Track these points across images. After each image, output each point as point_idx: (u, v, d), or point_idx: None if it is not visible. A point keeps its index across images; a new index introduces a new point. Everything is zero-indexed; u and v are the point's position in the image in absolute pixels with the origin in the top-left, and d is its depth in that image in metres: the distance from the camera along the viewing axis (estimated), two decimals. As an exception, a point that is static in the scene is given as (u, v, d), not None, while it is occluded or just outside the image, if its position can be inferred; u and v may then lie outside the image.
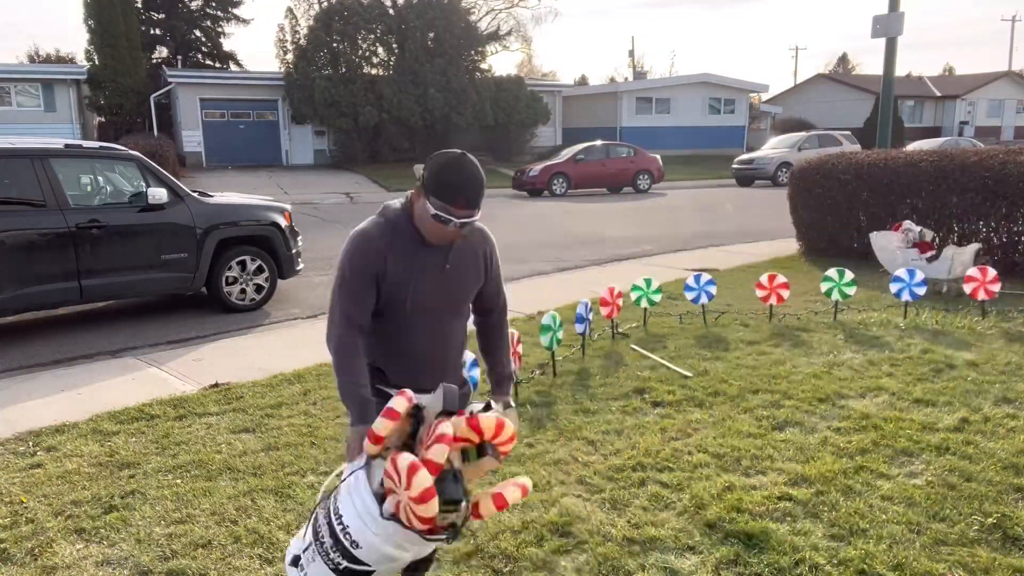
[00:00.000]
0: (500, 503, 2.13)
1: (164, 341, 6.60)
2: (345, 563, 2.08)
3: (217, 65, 37.43)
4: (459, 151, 2.23)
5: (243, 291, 7.62)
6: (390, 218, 2.28)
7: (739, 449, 3.91)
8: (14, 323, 7.09)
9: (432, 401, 2.13)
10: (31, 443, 4.24)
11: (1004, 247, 8.19)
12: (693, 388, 4.84)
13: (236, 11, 37.70)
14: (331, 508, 2.15)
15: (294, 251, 7.99)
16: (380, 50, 29.27)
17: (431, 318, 2.33)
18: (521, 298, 7.94)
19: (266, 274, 7.74)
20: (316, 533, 2.17)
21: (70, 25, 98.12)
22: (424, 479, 1.90)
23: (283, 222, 7.89)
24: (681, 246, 11.69)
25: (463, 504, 2.03)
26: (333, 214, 17.25)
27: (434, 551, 2.47)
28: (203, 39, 37.59)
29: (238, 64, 38.35)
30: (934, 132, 38.24)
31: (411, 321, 2.31)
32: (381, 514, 2.02)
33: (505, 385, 2.55)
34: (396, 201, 2.32)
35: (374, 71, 29.10)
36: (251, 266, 7.63)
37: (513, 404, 2.46)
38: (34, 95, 26.87)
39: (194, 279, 7.27)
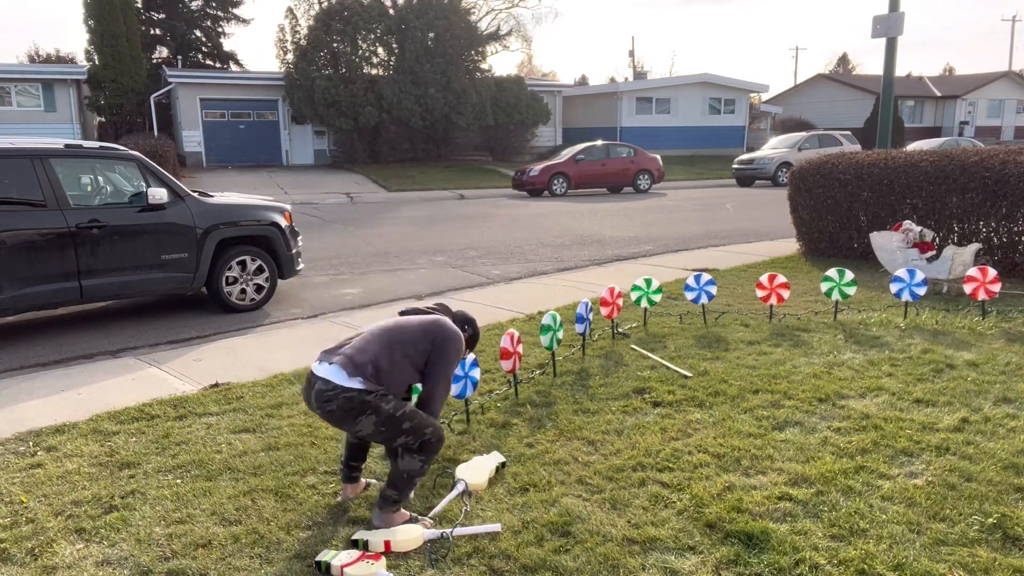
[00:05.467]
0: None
1: (164, 341, 6.60)
2: None
3: (217, 65, 37.44)
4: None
5: (243, 291, 7.62)
6: None
7: (739, 449, 3.91)
8: (14, 323, 7.10)
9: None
10: (31, 443, 4.24)
11: (1004, 247, 8.19)
12: (693, 388, 4.84)
13: (236, 11, 37.75)
14: None
15: (294, 251, 7.99)
16: (380, 50, 29.26)
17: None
18: (521, 298, 7.95)
19: (266, 274, 7.74)
20: None
21: (70, 25, 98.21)
22: None
23: (283, 222, 7.89)
24: (681, 246, 11.70)
25: None
26: (333, 214, 17.26)
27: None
28: (203, 39, 37.60)
29: (238, 64, 38.36)
30: (934, 132, 38.28)
31: None
32: None
33: None
34: (448, 315, 3.56)
35: (374, 71, 29.10)
36: (251, 266, 7.63)
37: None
38: (34, 95, 26.88)
39: (194, 279, 7.27)
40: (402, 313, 3.57)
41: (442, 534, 3.12)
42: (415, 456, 3.22)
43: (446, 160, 30.35)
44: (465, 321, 3.60)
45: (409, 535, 3.07)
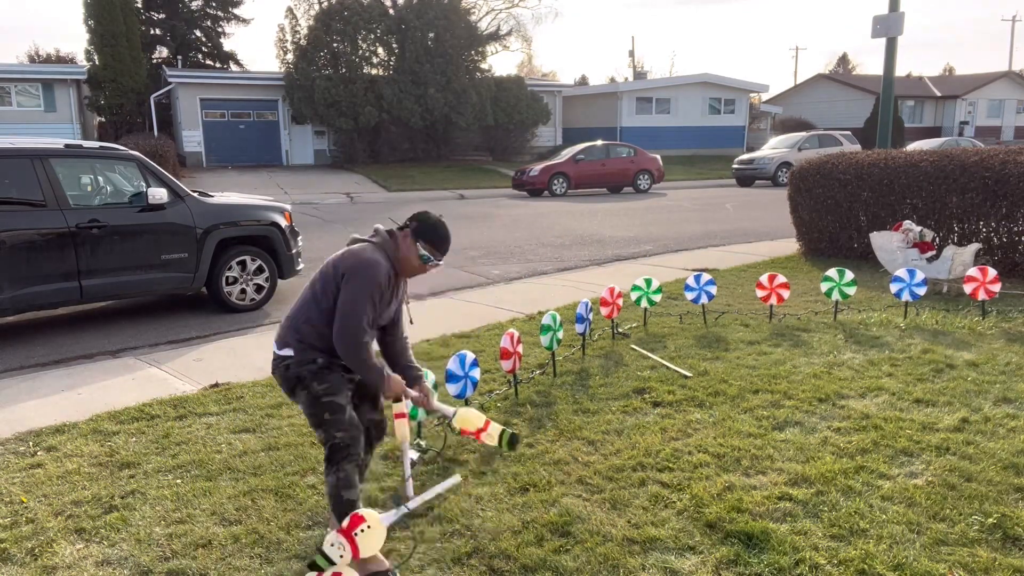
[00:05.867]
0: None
1: (164, 341, 6.60)
2: None
3: (217, 65, 37.43)
4: (439, 215, 3.11)
5: (243, 291, 7.62)
6: (387, 257, 3.02)
7: (739, 449, 3.91)
8: (14, 323, 7.10)
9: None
10: (31, 443, 4.24)
11: (1004, 247, 8.19)
12: (693, 388, 4.84)
13: (236, 11, 37.72)
14: None
15: (294, 251, 7.99)
16: (380, 50, 29.26)
17: (376, 329, 3.12)
18: (521, 298, 7.95)
19: (266, 274, 7.74)
20: None
21: (70, 25, 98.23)
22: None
23: (283, 222, 7.89)
24: (681, 246, 11.70)
25: None
26: (333, 214, 17.25)
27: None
28: (203, 39, 37.59)
29: (238, 64, 38.35)
30: (934, 132, 38.27)
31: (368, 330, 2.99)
32: None
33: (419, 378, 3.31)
34: (376, 240, 3.04)
35: (374, 71, 29.10)
36: (251, 266, 7.63)
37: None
38: (34, 95, 26.88)
39: (194, 279, 7.27)
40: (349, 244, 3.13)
41: (400, 510, 2.97)
42: (328, 469, 2.95)
43: (446, 160, 30.35)
44: (412, 218, 3.08)
45: (371, 538, 2.64)
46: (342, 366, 3.04)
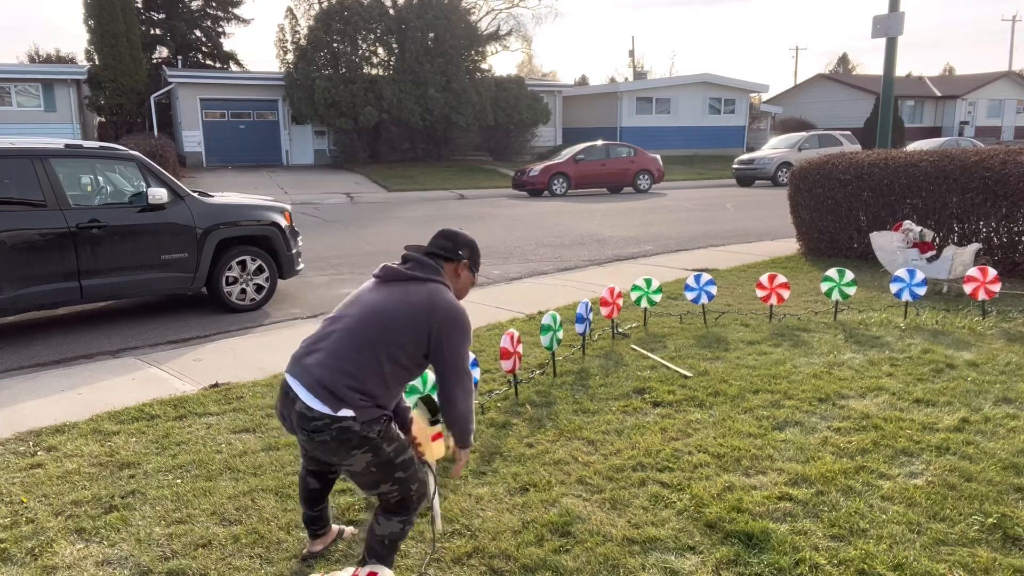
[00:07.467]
0: None
1: (164, 341, 6.60)
2: None
3: (217, 65, 37.45)
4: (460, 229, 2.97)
5: (243, 291, 7.62)
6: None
7: (739, 449, 3.91)
8: (14, 323, 7.10)
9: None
10: (31, 443, 4.24)
11: (1004, 247, 8.19)
12: (693, 388, 4.84)
13: (236, 11, 37.74)
14: None
15: (294, 251, 7.99)
16: (380, 50, 29.26)
17: None
18: (521, 298, 7.95)
19: (266, 274, 7.74)
20: None
21: (70, 25, 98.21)
22: None
23: (283, 222, 7.89)
24: (681, 246, 11.70)
25: None
26: (333, 214, 17.25)
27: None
28: (203, 39, 37.61)
29: (238, 64, 38.36)
30: (934, 132, 38.28)
31: None
32: None
33: None
34: (443, 280, 2.78)
35: (374, 71, 29.09)
36: (251, 266, 7.63)
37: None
38: (34, 95, 26.88)
39: (194, 279, 7.27)
40: (380, 278, 2.77)
41: None
42: (393, 518, 2.71)
43: (446, 160, 30.35)
44: (463, 245, 2.89)
45: None
46: None
